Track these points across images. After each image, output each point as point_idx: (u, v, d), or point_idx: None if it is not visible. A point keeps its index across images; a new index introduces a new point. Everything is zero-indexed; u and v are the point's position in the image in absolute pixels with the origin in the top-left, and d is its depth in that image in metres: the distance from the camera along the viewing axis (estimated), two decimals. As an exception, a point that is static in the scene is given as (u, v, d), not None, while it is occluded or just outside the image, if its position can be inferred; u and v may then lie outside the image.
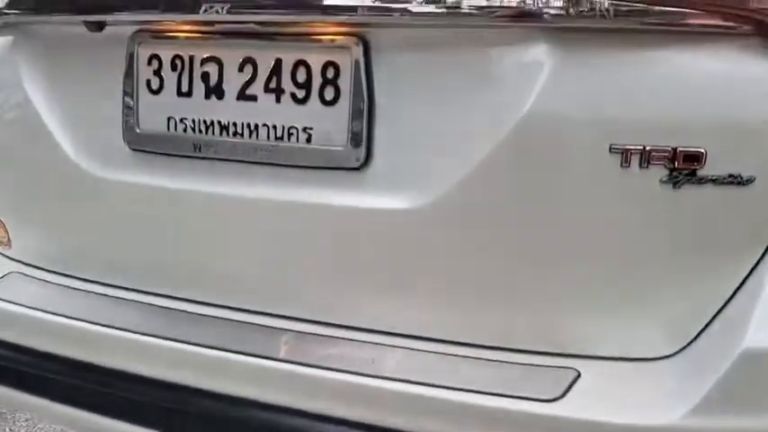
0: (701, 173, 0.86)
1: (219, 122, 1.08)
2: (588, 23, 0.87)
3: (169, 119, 1.12)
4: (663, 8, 0.85)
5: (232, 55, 1.06)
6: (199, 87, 1.09)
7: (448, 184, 0.95)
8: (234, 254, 1.12)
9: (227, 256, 1.13)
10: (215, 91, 1.08)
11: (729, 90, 0.88)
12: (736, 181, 0.86)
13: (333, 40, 1.00)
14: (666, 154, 0.86)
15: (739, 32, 0.85)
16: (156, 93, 1.13)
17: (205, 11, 1.01)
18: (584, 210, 0.92)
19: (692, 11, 0.85)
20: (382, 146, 1.00)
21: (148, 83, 1.13)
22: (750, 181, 0.86)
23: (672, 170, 0.87)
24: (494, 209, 0.95)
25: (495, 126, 0.92)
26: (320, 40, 1.02)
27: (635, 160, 0.87)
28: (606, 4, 0.84)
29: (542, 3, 0.86)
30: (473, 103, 0.94)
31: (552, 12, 0.87)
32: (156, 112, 1.13)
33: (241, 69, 1.06)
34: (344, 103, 1.00)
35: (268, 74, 1.04)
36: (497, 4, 0.88)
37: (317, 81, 1.01)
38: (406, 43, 0.98)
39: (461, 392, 0.92)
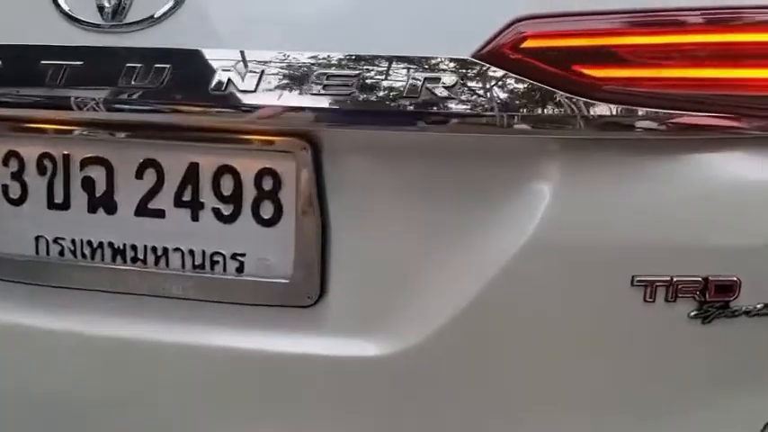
0: (733, 304, 0.72)
1: (111, 245, 0.81)
2: (602, 133, 0.70)
3: (38, 238, 0.83)
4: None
5: (126, 156, 0.79)
6: (79, 198, 0.81)
7: (429, 327, 0.74)
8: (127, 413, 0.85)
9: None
10: (103, 203, 0.80)
11: (761, 202, 0.74)
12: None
13: (271, 142, 0.76)
14: (697, 284, 0.71)
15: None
16: (16, 203, 0.83)
17: (79, 107, 0.74)
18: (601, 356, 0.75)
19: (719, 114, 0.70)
20: (341, 277, 0.77)
21: (5, 189, 0.83)
22: None
23: (703, 303, 0.72)
24: (486, 361, 0.76)
25: (488, 256, 0.72)
26: (252, 141, 0.77)
27: (666, 296, 0.71)
28: (620, 110, 0.68)
29: (549, 111, 0.68)
30: (460, 227, 0.74)
31: (560, 118, 0.69)
32: (17, 230, 0.84)
33: (140, 176, 0.79)
34: (288, 222, 0.76)
35: (180, 182, 0.78)
36: (492, 111, 0.69)
37: (249, 193, 0.77)
38: (371, 147, 0.75)
39: None
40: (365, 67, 0.69)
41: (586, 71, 0.67)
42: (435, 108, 0.68)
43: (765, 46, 0.68)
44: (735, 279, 0.71)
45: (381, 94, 0.69)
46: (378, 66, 0.69)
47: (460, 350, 0.75)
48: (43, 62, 0.75)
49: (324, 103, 0.70)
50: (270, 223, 0.77)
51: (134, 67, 0.73)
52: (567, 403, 0.77)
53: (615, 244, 0.72)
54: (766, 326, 0.73)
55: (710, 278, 0.71)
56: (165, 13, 0.74)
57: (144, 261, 0.80)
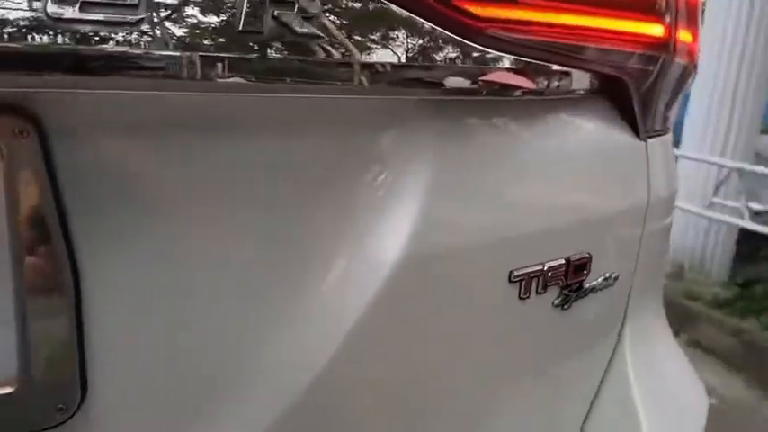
0: (587, 283, 0.64)
1: None
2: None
3: None
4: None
5: None
6: None
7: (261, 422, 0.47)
8: None
9: None
10: None
11: (598, 181, 0.66)
12: (608, 281, 0.67)
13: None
14: (561, 270, 0.60)
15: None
16: None
17: None
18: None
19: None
20: (109, 365, 0.43)
21: None
22: (614, 279, 0.67)
23: (564, 288, 0.62)
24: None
25: (335, 310, 0.48)
26: None
27: (533, 287, 0.58)
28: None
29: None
30: (292, 267, 0.47)
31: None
32: None
33: None
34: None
35: None
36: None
37: None
38: (145, 120, 0.43)
39: None
40: None
41: (475, 7, 0.48)
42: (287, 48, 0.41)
43: None
44: (587, 255, 0.63)
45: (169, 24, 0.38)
46: None
47: None
48: None
49: (59, 48, 0.36)
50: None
51: None
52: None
53: (495, 242, 0.55)
54: (603, 296, 0.68)
55: (571, 258, 0.61)
56: None
57: None
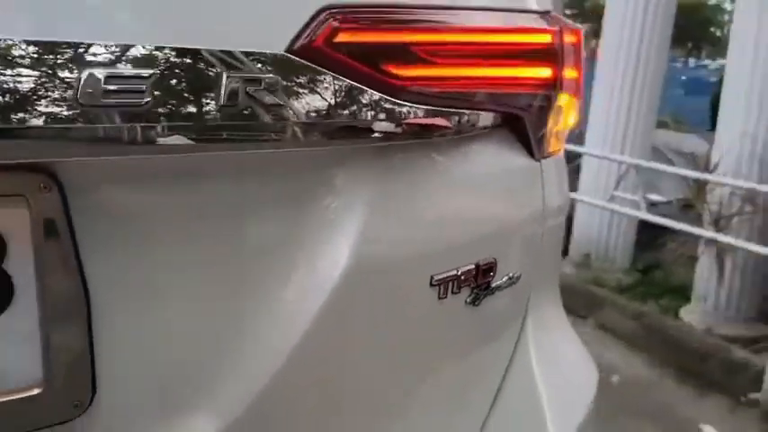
0: (494, 283, 0.77)
1: None
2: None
3: None
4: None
5: None
6: None
7: (235, 411, 0.57)
8: None
9: None
10: None
11: (501, 198, 0.79)
12: (512, 280, 0.79)
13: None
14: (472, 273, 0.72)
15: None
16: None
17: None
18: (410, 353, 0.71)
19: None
20: (114, 371, 0.53)
21: None
22: (517, 278, 0.80)
23: (474, 289, 0.74)
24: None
25: (295, 316, 0.59)
26: None
27: (450, 289, 0.71)
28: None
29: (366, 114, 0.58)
30: (259, 285, 0.58)
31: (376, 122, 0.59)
32: None
33: None
34: (25, 305, 0.48)
35: None
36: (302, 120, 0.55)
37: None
38: (146, 175, 0.52)
39: None
40: (148, 66, 0.47)
41: (397, 70, 0.59)
42: (243, 121, 0.51)
43: None
44: (493, 260, 0.75)
45: (179, 100, 0.48)
46: (177, 59, 0.48)
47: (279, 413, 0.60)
48: None
49: (76, 122, 0.45)
50: (-4, 311, 0.48)
51: None
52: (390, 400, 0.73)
53: (419, 252, 0.67)
54: (508, 293, 0.80)
55: (479, 263, 0.73)
56: None
57: None
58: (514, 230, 0.81)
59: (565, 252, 4.77)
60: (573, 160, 5.45)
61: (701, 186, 3.50)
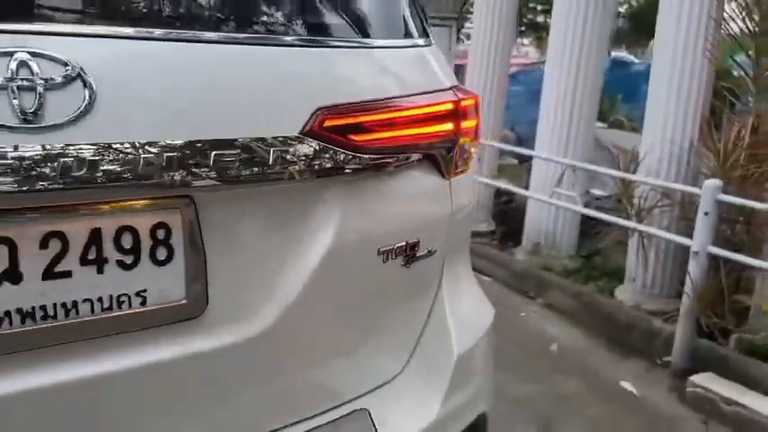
0: (418, 254, 1.27)
1: (20, 310, 0.88)
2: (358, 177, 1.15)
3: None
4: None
5: (27, 233, 0.88)
6: (-20, 276, 0.86)
7: (275, 313, 1.08)
8: None
9: None
10: (7, 276, 0.87)
11: (424, 199, 1.31)
12: (430, 253, 1.29)
13: (161, 203, 0.97)
14: (404, 248, 1.23)
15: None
16: None
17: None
18: (365, 293, 1.23)
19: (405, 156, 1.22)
20: (217, 292, 1.03)
21: None
22: (433, 252, 1.30)
23: (405, 256, 1.24)
24: (309, 321, 1.14)
25: (304, 267, 1.10)
26: (147, 204, 0.96)
27: (390, 256, 1.21)
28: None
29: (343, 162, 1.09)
30: (291, 244, 1.09)
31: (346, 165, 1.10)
32: None
33: (44, 246, 0.89)
34: (179, 260, 0.98)
35: (84, 246, 0.92)
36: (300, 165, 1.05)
37: (146, 244, 0.96)
38: (230, 199, 1.02)
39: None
40: (227, 148, 0.97)
41: (356, 137, 1.10)
42: (280, 169, 1.02)
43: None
44: (417, 240, 1.25)
45: (242, 165, 0.99)
46: (236, 146, 0.98)
47: (290, 329, 1.11)
48: None
49: (202, 173, 0.96)
50: (165, 262, 0.98)
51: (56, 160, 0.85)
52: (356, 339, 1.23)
53: (372, 234, 1.18)
54: (428, 261, 1.30)
55: (408, 241, 1.24)
56: (75, 116, 0.87)
57: (54, 317, 0.90)
58: (431, 222, 1.30)
59: (518, 241, 5.29)
60: (525, 162, 5.96)
61: (625, 183, 4.03)
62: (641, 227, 3.86)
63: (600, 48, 4.54)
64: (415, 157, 1.24)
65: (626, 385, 3.44)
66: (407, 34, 1.30)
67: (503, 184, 5.40)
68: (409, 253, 1.24)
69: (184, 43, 0.99)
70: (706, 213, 3.24)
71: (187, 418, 1.07)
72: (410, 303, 1.33)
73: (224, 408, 1.08)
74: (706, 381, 3.16)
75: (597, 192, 5.09)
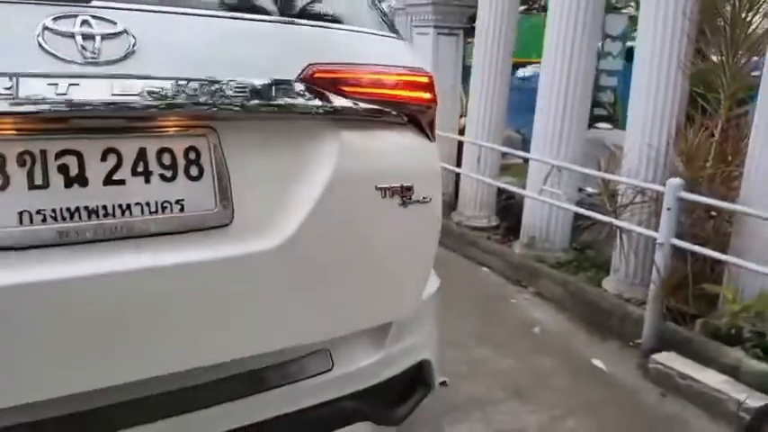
0: (413, 197, 1.51)
1: (87, 208, 1.14)
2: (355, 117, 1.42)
3: (21, 213, 1.09)
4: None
5: (91, 148, 1.14)
6: (56, 179, 1.12)
7: (291, 229, 1.32)
8: (132, 329, 1.18)
9: (127, 335, 1.18)
10: (77, 180, 1.13)
11: (414, 153, 1.56)
12: (425, 200, 1.54)
13: (193, 131, 1.24)
14: (399, 188, 1.48)
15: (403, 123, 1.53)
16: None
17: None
18: (369, 222, 1.47)
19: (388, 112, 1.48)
20: (242, 206, 1.28)
21: None
22: (428, 199, 1.55)
23: (402, 196, 1.49)
24: (321, 239, 1.37)
25: (312, 191, 1.35)
26: (181, 132, 1.23)
27: (388, 194, 1.46)
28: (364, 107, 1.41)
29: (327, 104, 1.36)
30: (299, 171, 1.35)
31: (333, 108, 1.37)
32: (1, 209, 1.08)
33: (104, 159, 1.15)
34: (208, 177, 1.25)
35: (134, 161, 1.18)
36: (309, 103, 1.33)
37: (182, 163, 1.22)
38: (248, 128, 1.29)
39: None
40: (243, 87, 1.25)
41: (343, 88, 1.37)
42: (281, 105, 1.29)
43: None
44: (411, 185, 1.50)
45: (257, 101, 1.26)
46: (247, 86, 1.26)
47: (307, 239, 1.35)
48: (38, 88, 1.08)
49: (226, 108, 1.23)
50: (197, 179, 1.24)
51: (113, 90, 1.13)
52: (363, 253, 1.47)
53: (369, 171, 1.44)
54: (423, 206, 1.53)
55: (403, 184, 1.49)
56: (123, 55, 1.16)
57: (113, 215, 1.16)
58: (423, 173, 1.54)
59: (516, 235, 5.52)
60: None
61: (605, 182, 4.28)
62: (616, 222, 4.10)
63: (589, 55, 4.77)
64: (401, 116, 1.50)
65: (597, 363, 3.66)
66: (381, 28, 1.59)
67: (500, 183, 5.64)
68: (405, 194, 1.49)
69: (208, 18, 1.31)
70: (669, 209, 3.50)
71: (212, 313, 1.27)
72: (408, 247, 1.56)
73: (248, 309, 1.31)
74: (666, 359, 3.39)
75: (590, 189, 5.31)
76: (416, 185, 1.51)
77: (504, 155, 5.88)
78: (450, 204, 6.23)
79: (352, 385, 1.51)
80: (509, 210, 5.93)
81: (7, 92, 1.06)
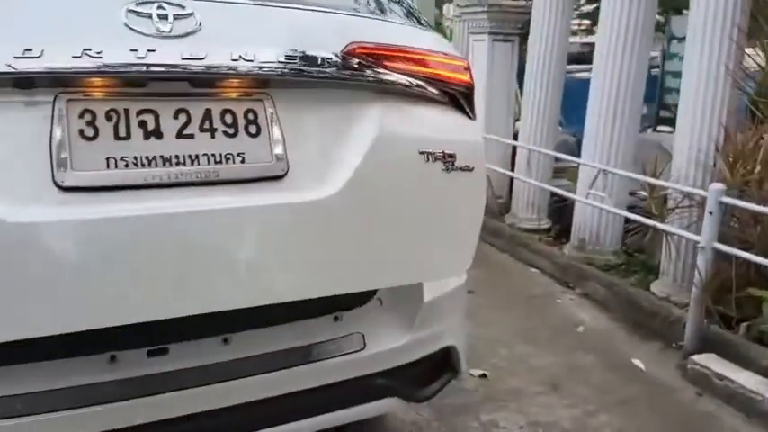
0: (456, 164, 1.65)
1: (162, 156, 1.33)
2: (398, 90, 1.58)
3: (108, 159, 1.29)
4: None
5: (165, 107, 1.34)
6: (137, 132, 1.31)
7: (340, 183, 1.48)
8: (200, 263, 1.36)
9: (197, 268, 1.36)
10: (154, 134, 1.33)
11: (455, 126, 1.71)
12: (468, 168, 1.68)
13: (252, 95, 1.43)
14: (441, 155, 1.62)
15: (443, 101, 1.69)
16: (90, 139, 1.28)
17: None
18: (414, 182, 1.62)
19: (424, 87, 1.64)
20: (295, 161, 1.46)
21: (81, 132, 1.27)
22: (472, 168, 1.69)
23: (445, 162, 1.63)
24: (368, 194, 1.53)
25: (359, 146, 1.51)
26: (241, 96, 1.43)
27: (431, 158, 1.61)
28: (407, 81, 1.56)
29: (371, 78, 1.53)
30: (346, 133, 1.51)
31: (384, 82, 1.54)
32: (91, 155, 1.28)
33: (176, 117, 1.35)
34: (265, 134, 1.43)
35: (201, 119, 1.37)
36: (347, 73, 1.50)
37: (242, 122, 1.41)
38: (299, 95, 1.48)
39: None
40: (292, 60, 1.43)
41: (384, 63, 1.54)
42: (326, 75, 1.46)
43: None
44: (453, 153, 1.65)
45: (305, 71, 1.43)
46: (301, 59, 1.43)
47: (356, 194, 1.50)
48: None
49: (278, 76, 1.41)
50: (255, 136, 1.42)
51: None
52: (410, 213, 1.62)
53: (411, 136, 1.59)
54: (466, 174, 1.68)
55: (446, 151, 1.63)
56: (191, 31, 1.35)
57: (184, 163, 1.35)
58: (464, 144, 1.69)
59: (568, 238, 5.55)
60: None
61: (650, 186, 4.31)
62: (659, 225, 4.12)
63: (641, 58, 4.76)
64: (440, 93, 1.66)
65: (636, 362, 3.67)
66: (413, 23, 1.78)
67: (549, 186, 5.69)
68: (447, 161, 1.63)
69: (262, 6, 1.52)
70: (710, 213, 3.52)
71: (271, 253, 1.45)
72: (453, 212, 1.70)
73: (303, 252, 1.47)
74: (705, 360, 3.40)
75: (643, 193, 5.27)
76: (459, 154, 1.64)
77: (557, 159, 5.93)
78: (506, 207, 6.30)
79: (382, 364, 1.69)
80: (561, 212, 5.95)
81: (99, 60, 1.26)
